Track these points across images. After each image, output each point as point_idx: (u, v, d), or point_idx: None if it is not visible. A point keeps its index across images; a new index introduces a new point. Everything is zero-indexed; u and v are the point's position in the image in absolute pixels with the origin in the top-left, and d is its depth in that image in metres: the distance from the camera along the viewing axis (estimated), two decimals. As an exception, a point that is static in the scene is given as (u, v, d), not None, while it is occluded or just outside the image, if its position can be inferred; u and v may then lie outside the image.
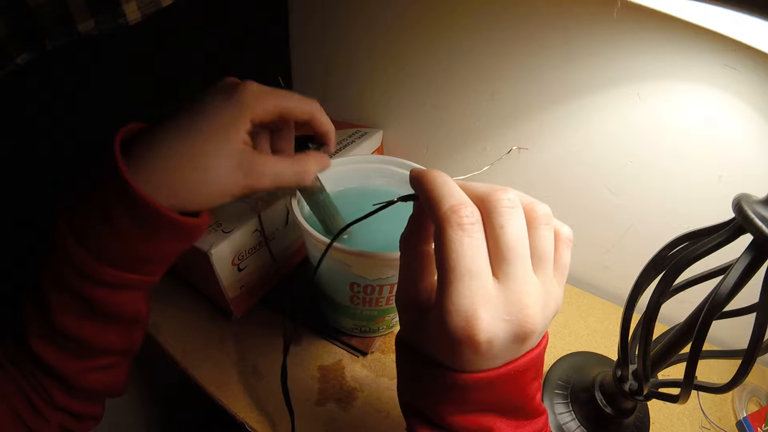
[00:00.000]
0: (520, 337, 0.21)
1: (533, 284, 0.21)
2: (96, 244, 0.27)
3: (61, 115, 0.43)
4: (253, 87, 0.29)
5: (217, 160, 0.27)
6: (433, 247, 0.23)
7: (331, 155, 0.37)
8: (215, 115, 0.28)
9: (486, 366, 0.21)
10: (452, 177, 0.23)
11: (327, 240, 0.33)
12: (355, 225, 0.31)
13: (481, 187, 0.23)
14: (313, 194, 0.38)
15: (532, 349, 0.23)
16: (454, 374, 0.22)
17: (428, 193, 0.22)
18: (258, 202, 0.41)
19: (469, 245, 0.20)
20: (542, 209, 0.23)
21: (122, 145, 0.26)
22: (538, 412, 0.24)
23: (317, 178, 0.36)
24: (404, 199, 0.26)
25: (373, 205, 0.29)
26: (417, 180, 0.24)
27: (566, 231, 0.24)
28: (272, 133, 0.34)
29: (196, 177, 0.27)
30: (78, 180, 0.28)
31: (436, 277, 0.23)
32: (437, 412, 0.23)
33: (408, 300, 0.25)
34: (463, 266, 0.20)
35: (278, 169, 0.30)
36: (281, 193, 0.47)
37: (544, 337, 0.24)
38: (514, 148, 0.52)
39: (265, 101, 0.29)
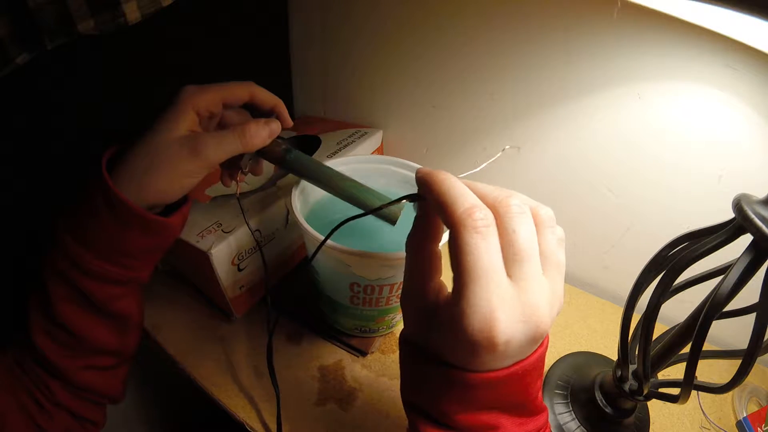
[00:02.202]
0: (535, 338, 0.21)
1: (544, 285, 0.22)
2: (85, 236, 0.32)
3: (61, 116, 0.43)
4: (189, 87, 0.34)
5: (164, 148, 0.32)
6: (440, 247, 0.24)
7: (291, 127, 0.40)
8: (160, 117, 0.33)
9: (497, 366, 0.22)
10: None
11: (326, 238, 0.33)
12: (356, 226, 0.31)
13: (488, 190, 0.23)
14: (285, 160, 0.38)
15: (537, 348, 0.23)
16: (465, 373, 0.22)
17: (440, 195, 0.22)
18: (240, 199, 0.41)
19: (485, 248, 0.20)
20: (546, 213, 0.23)
21: (108, 162, 0.32)
22: (540, 409, 0.25)
23: (279, 143, 0.38)
24: (410, 198, 0.26)
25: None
26: (425, 181, 0.24)
27: (559, 231, 0.24)
28: None
29: (151, 167, 0.32)
30: (75, 192, 0.33)
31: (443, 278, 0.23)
32: (443, 411, 0.23)
33: (414, 300, 0.25)
34: (480, 269, 0.20)
35: (219, 137, 0.34)
36: (276, 187, 0.47)
37: (546, 337, 0.24)
38: (507, 147, 0.52)
39: (204, 93, 0.34)
